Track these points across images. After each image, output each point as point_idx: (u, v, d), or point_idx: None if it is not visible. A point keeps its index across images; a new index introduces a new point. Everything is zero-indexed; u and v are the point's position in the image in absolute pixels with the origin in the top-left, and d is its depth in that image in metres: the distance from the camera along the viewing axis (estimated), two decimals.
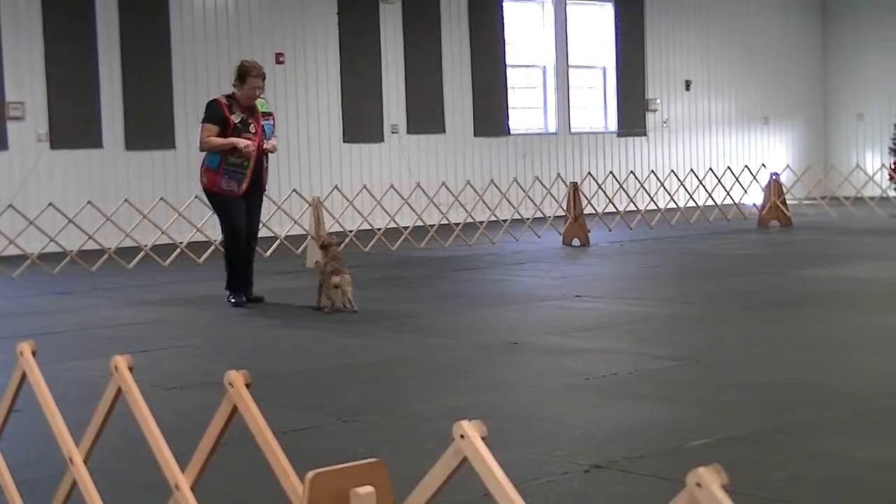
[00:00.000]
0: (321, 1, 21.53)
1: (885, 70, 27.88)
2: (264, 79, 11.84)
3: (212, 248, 16.21)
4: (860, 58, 28.49)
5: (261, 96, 11.99)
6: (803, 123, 28.70)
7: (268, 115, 12.09)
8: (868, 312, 10.46)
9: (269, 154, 12.07)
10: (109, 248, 15.83)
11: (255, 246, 12.28)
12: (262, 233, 17.35)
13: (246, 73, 11.82)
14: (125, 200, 16.69)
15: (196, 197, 17.16)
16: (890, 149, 23.55)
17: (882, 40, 28.01)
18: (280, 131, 21.09)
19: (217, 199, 12.00)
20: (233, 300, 11.99)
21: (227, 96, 11.92)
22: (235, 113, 11.78)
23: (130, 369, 3.54)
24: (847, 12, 28.67)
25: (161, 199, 17.05)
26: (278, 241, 16.89)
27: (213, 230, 17.14)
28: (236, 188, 11.83)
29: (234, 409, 3.16)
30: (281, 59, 21.07)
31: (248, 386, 3.14)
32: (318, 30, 21.55)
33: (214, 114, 11.80)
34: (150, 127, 19.78)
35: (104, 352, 8.99)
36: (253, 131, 11.81)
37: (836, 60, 28.78)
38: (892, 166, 23.06)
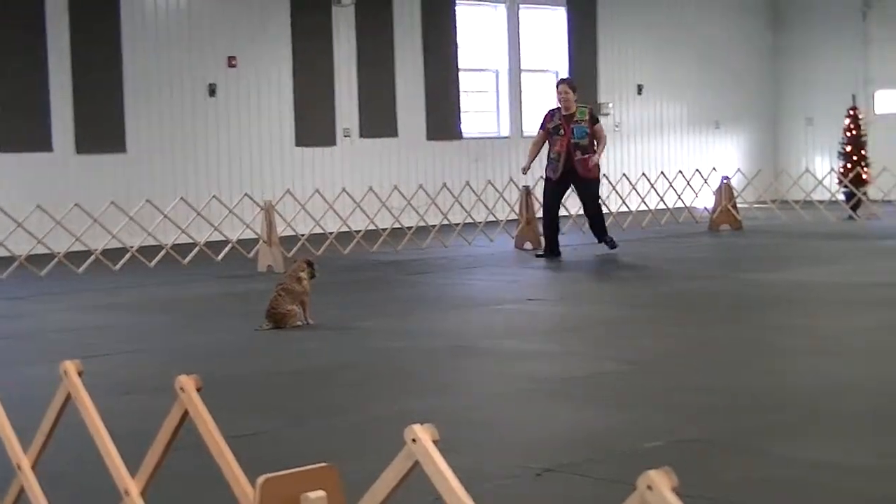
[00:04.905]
0: (274, 4, 21.47)
1: (834, 75, 28.09)
2: (575, 90, 16.07)
3: (163, 252, 16.12)
4: (810, 63, 28.70)
5: (581, 105, 16.20)
6: (754, 128, 28.88)
7: (583, 120, 15.95)
8: (817, 315, 10.53)
9: (583, 149, 15.98)
10: (59, 253, 15.71)
11: (591, 215, 16.59)
12: (213, 237, 17.39)
13: (557, 85, 16.45)
14: (75, 205, 16.55)
15: (147, 201, 17.08)
16: (839, 153, 23.71)
17: (831, 46, 28.23)
18: (232, 135, 21.03)
19: (545, 184, 16.37)
20: (544, 255, 16.17)
21: (554, 108, 16.15)
22: (554, 120, 15.99)
23: (80, 374, 3.52)
24: (797, 18, 28.88)
25: (112, 202, 16.92)
26: (230, 245, 16.81)
27: (163, 235, 17.05)
28: (553, 175, 16.03)
29: (185, 414, 3.14)
30: (233, 63, 20.99)
31: (199, 391, 3.13)
32: (271, 33, 21.48)
33: (542, 121, 16.32)
34: (101, 130, 19.63)
35: (54, 356, 8.92)
36: (562, 133, 15.89)
37: (786, 65, 28.98)
38: (841, 170, 23.23)
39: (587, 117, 16.16)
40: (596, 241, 16.68)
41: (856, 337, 9.29)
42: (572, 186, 16.40)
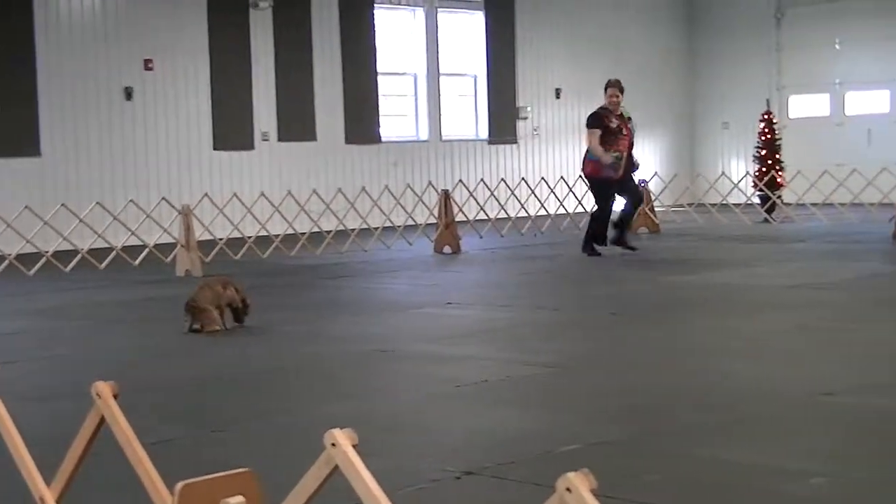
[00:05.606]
0: (190, 6, 21.33)
1: (749, 79, 28.44)
2: (622, 91, 16.39)
3: (79, 256, 15.95)
4: (725, 68, 29.04)
5: (622, 105, 16.43)
6: (671, 131, 29.15)
7: (628, 119, 16.42)
8: (734, 317, 10.64)
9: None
10: None
11: (638, 207, 17.28)
12: (130, 241, 17.23)
13: (606, 87, 16.55)
14: None
15: (63, 205, 16.89)
16: (754, 157, 23.99)
17: (746, 51, 28.57)
18: (149, 139, 20.86)
19: (597, 184, 16.37)
20: (593, 252, 16.37)
21: (602, 108, 16.40)
22: (612, 120, 16.18)
23: None
24: (713, 24, 29.20)
25: (26, 207, 16.72)
26: (147, 250, 16.67)
27: (80, 239, 16.87)
28: (614, 174, 16.15)
29: (102, 421, 3.11)
30: (150, 66, 20.82)
31: (116, 397, 3.10)
32: (188, 35, 21.34)
33: (596, 121, 16.28)
34: (14, 134, 19.40)
35: None
36: (624, 133, 16.25)
37: (702, 70, 29.29)
38: (756, 174, 23.51)
39: (627, 117, 16.58)
40: (614, 244, 16.53)
41: (772, 338, 9.40)
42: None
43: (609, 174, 16.21)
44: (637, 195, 17.08)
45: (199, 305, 10.23)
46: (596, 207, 16.68)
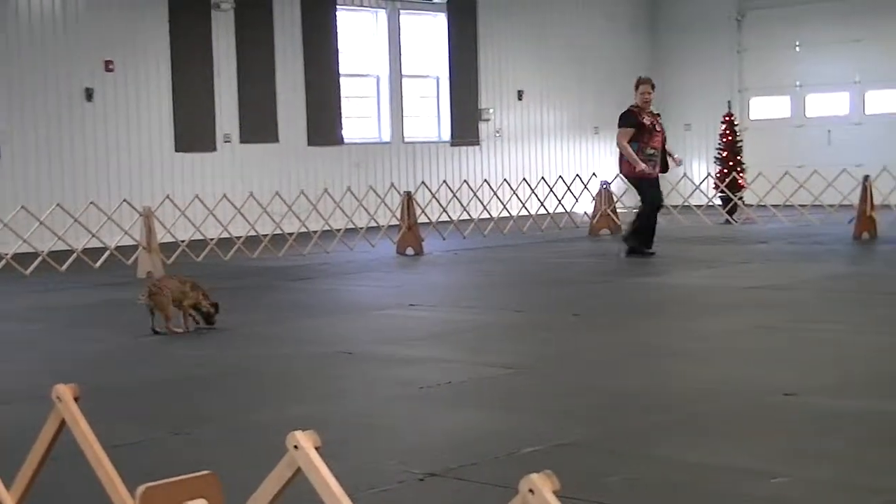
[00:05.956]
0: (151, 6, 21.23)
1: (711, 81, 28.59)
2: (654, 87, 16.48)
3: (39, 259, 15.86)
4: (687, 70, 29.15)
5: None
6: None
7: (657, 116, 16.49)
8: (695, 318, 10.68)
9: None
10: None
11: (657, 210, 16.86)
12: (92, 243, 17.14)
13: (637, 84, 16.54)
14: None
15: (22, 207, 16.79)
16: (715, 158, 24.10)
17: (707, 53, 28.70)
18: (110, 140, 20.75)
19: (635, 181, 16.36)
20: (641, 252, 16.12)
21: (635, 106, 16.32)
22: (645, 117, 16.18)
23: None
24: (675, 26, 29.32)
25: None
26: (108, 252, 16.58)
27: (40, 241, 16.76)
28: (653, 171, 16.14)
29: (63, 424, 3.09)
30: (110, 67, 20.72)
31: (76, 400, 3.08)
32: (149, 36, 21.24)
33: (628, 119, 16.25)
34: None
35: None
36: (657, 129, 16.28)
37: (664, 72, 29.36)
38: (718, 175, 23.61)
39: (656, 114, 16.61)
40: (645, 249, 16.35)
41: (733, 339, 9.44)
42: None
43: (645, 171, 16.11)
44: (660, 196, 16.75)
45: (161, 291, 10.21)
46: (642, 205, 16.61)
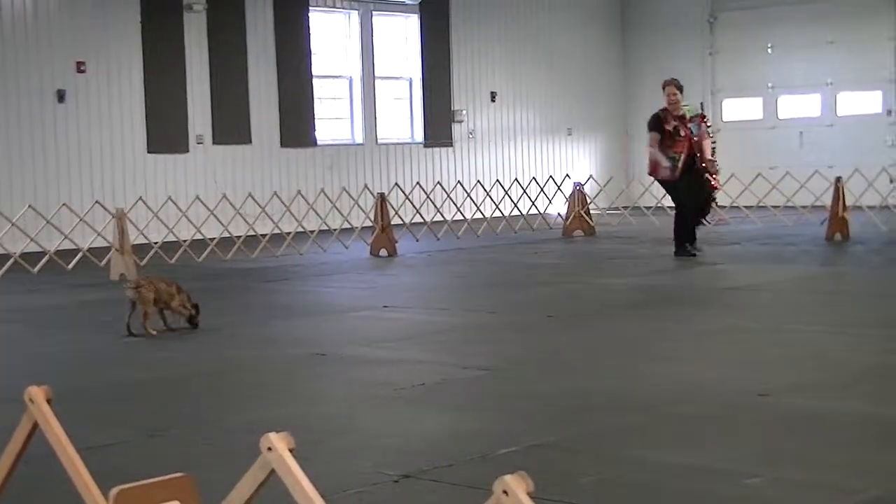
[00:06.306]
0: (123, 8, 21.14)
1: (683, 83, 28.34)
2: (681, 90, 16.20)
3: (11, 261, 15.78)
4: (659, 71, 29.10)
5: (685, 104, 16.29)
6: (605, 135, 29.29)
7: (694, 118, 16.16)
8: (669, 319, 10.71)
9: (699, 147, 16.06)
10: None
11: (707, 212, 17.51)
12: (64, 245, 17.07)
13: (663, 86, 16.37)
14: None
15: None
16: None
17: (680, 55, 28.73)
18: (82, 142, 20.67)
19: (662, 184, 16.67)
20: (686, 252, 16.08)
21: (663, 109, 16.15)
22: (670, 122, 15.95)
23: None
24: (645, 27, 29.38)
25: None
26: (81, 254, 16.51)
27: (11, 243, 16.68)
28: (671, 175, 16.03)
29: (35, 426, 3.08)
30: (82, 68, 20.63)
31: (49, 402, 3.07)
32: (121, 37, 21.15)
33: (655, 125, 16.14)
34: None
35: None
36: (682, 135, 15.95)
37: (636, 74, 29.44)
38: None
39: (693, 115, 16.29)
40: (684, 244, 16.33)
41: (706, 339, 9.47)
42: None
43: (665, 175, 16.14)
44: (700, 203, 16.57)
45: (147, 287, 10.19)
46: (675, 205, 16.68)
